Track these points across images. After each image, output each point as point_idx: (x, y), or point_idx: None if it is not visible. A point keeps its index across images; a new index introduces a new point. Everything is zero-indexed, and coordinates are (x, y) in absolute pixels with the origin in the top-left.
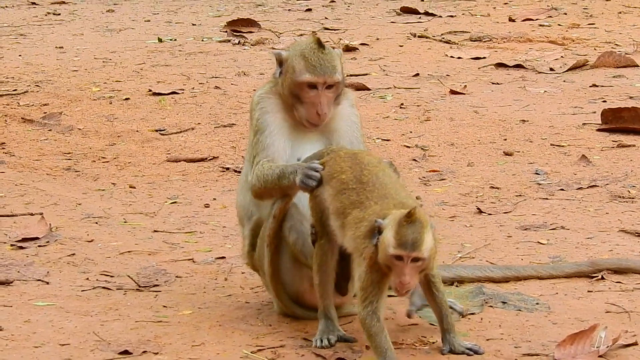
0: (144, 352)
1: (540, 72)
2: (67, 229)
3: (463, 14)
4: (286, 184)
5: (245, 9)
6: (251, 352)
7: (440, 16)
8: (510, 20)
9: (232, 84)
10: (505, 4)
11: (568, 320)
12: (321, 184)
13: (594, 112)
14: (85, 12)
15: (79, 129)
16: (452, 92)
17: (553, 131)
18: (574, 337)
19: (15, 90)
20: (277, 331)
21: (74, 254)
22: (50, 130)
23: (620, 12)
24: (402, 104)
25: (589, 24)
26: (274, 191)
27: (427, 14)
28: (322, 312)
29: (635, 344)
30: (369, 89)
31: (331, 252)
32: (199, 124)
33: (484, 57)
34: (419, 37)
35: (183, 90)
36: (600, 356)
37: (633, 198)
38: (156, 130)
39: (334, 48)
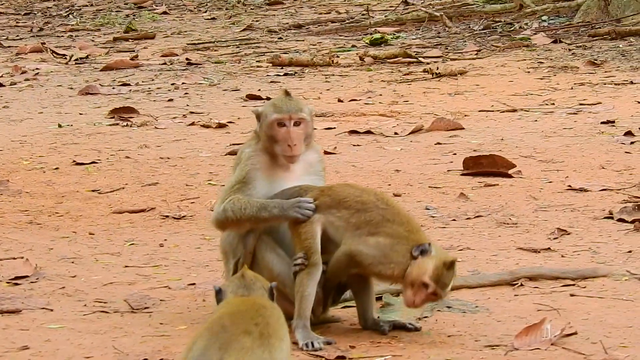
0: (161, 359)
1: (387, 136)
2: (49, 268)
3: (297, 97)
4: (264, 216)
5: (116, 101)
6: None
7: None
8: (339, 100)
9: (138, 154)
10: (328, 90)
11: (509, 318)
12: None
13: (451, 162)
14: None
15: (27, 192)
16: (326, 152)
17: (425, 177)
18: (528, 329)
19: None
20: None
21: (64, 287)
22: (1, 194)
23: (424, 92)
24: None
25: (405, 101)
26: (245, 223)
27: (268, 99)
28: (301, 323)
29: (575, 333)
30: None
31: (318, 277)
32: (126, 184)
33: (334, 127)
34: None
35: (100, 160)
36: (552, 344)
37: (516, 224)
38: (93, 191)
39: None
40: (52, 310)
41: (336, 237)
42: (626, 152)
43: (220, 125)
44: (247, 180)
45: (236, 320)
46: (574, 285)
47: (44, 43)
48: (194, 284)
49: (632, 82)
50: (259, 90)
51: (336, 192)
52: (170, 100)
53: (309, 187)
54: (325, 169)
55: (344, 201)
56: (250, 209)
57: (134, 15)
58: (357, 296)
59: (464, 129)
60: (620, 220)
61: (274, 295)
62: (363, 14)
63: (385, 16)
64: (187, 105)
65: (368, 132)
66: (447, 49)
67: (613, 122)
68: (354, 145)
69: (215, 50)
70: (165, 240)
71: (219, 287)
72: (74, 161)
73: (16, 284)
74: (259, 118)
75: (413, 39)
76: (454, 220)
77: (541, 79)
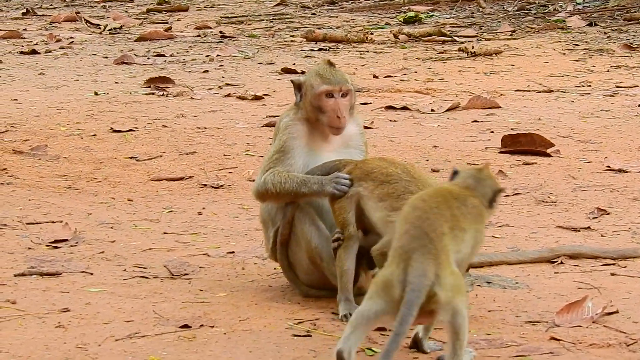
0: (202, 325)
1: (424, 112)
2: (88, 233)
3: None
4: (304, 192)
5: (152, 71)
6: (293, 324)
7: None
8: (375, 77)
9: (175, 124)
10: (363, 66)
11: (549, 295)
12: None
13: (489, 139)
14: (21, 74)
15: (65, 157)
16: (365, 127)
17: (463, 154)
18: (569, 307)
19: None
20: (307, 308)
21: (103, 252)
22: (40, 159)
23: (459, 71)
24: None
25: (440, 79)
26: (284, 197)
27: (303, 73)
28: (343, 296)
29: (616, 312)
30: None
31: (355, 250)
32: (164, 152)
33: (370, 103)
34: None
35: (137, 128)
36: (593, 322)
37: (555, 202)
38: (131, 158)
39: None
40: (91, 274)
41: (365, 208)
42: None
43: (256, 98)
44: (286, 149)
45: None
46: (614, 264)
47: (79, 12)
48: (232, 252)
49: None
50: (294, 64)
51: (367, 165)
52: (206, 71)
53: (347, 161)
54: (367, 142)
55: (371, 173)
56: (290, 184)
57: None
58: None
59: (500, 107)
60: None
61: (493, 202)
62: None
63: None
64: (223, 77)
65: (404, 108)
66: (481, 28)
67: None
68: (390, 121)
69: (248, 24)
70: (204, 208)
71: (457, 169)
72: (111, 128)
73: (56, 247)
74: (300, 88)
75: (447, 18)
76: None
77: (577, 61)
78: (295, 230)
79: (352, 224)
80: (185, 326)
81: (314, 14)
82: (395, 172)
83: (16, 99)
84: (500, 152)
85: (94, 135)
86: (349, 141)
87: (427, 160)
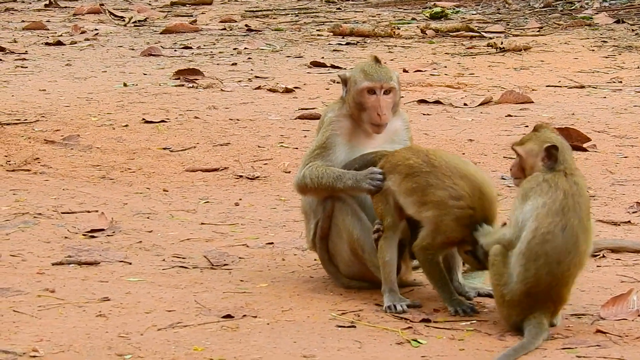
0: (244, 315)
1: (457, 106)
2: (125, 223)
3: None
4: (340, 187)
5: (180, 63)
6: (337, 315)
7: (345, 68)
8: (405, 71)
9: (207, 115)
10: (391, 60)
11: (593, 288)
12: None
13: (524, 133)
14: (47, 65)
15: (97, 147)
16: None
17: (499, 147)
18: (615, 300)
19: (26, 119)
20: (350, 299)
21: (141, 242)
22: (72, 148)
23: (489, 66)
24: None
25: (470, 74)
26: (322, 191)
27: (333, 66)
28: (387, 287)
29: None
30: None
31: (396, 241)
32: (197, 143)
33: (402, 97)
34: (337, 83)
35: (169, 119)
36: (639, 315)
37: (594, 196)
38: (164, 148)
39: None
40: (130, 263)
41: (400, 203)
42: None
43: (287, 90)
44: (328, 145)
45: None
46: None
47: (102, 4)
48: (272, 243)
49: None
50: (322, 58)
51: (394, 157)
52: (234, 64)
53: (383, 153)
54: (412, 138)
55: (397, 165)
56: (326, 179)
57: None
58: (443, 258)
59: (533, 102)
60: None
61: None
62: None
63: None
64: (251, 69)
65: (437, 102)
66: (508, 25)
67: None
68: (423, 115)
69: (273, 18)
70: (240, 199)
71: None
72: (143, 119)
73: (92, 237)
74: (346, 83)
75: (473, 14)
76: None
77: (606, 57)
78: (337, 222)
79: (390, 215)
80: (228, 316)
81: (339, 8)
82: (417, 162)
83: (44, 89)
84: None
85: (126, 125)
86: (393, 136)
87: (464, 153)
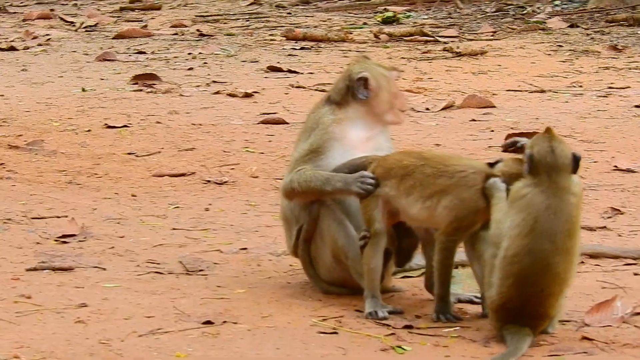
0: (224, 322)
1: (419, 111)
2: (96, 228)
3: (319, 72)
4: (329, 190)
5: (135, 69)
6: (318, 321)
7: (302, 73)
8: None
9: (169, 120)
10: (347, 64)
11: (575, 294)
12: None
13: (490, 138)
14: (3, 70)
15: (62, 152)
16: None
17: (467, 152)
18: (599, 306)
19: None
20: (329, 304)
21: (113, 247)
22: (37, 154)
23: (447, 70)
24: None
25: (429, 78)
26: (310, 195)
27: (289, 71)
28: (370, 294)
29: None
30: (287, 123)
31: (382, 248)
32: (162, 148)
33: None
34: (296, 87)
35: (131, 124)
36: (624, 322)
37: None
38: (129, 153)
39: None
40: (104, 269)
41: (400, 207)
42: None
43: (247, 95)
44: (323, 149)
45: None
46: (635, 264)
47: (53, 10)
48: (245, 248)
49: None
50: (278, 62)
51: (387, 162)
52: (190, 69)
53: (373, 158)
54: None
55: (391, 170)
56: (315, 182)
57: None
58: (429, 261)
59: (495, 107)
60: None
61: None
62: None
63: None
64: (208, 74)
65: None
66: (461, 29)
67: None
68: None
69: (224, 23)
70: (210, 204)
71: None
72: (106, 124)
73: (64, 242)
74: (366, 83)
75: (424, 18)
76: None
77: (563, 61)
78: (322, 227)
79: (378, 221)
80: (208, 322)
81: (289, 13)
82: (411, 162)
83: (2, 95)
84: (504, 151)
85: (89, 130)
86: (385, 143)
87: None
